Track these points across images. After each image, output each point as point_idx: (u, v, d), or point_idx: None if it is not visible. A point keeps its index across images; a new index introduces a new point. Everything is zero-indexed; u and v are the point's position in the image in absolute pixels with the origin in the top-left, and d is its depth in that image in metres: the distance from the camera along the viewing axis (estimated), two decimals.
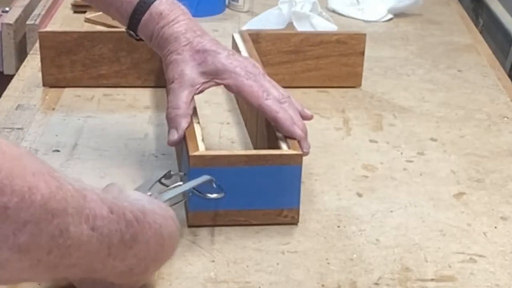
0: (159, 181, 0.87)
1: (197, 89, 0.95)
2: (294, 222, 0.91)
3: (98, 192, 0.63)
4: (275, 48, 1.23)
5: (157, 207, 0.74)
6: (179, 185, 0.85)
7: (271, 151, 0.90)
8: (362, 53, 1.25)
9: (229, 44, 1.16)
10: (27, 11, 1.60)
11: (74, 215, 0.58)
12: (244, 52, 1.13)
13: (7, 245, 0.54)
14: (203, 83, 0.95)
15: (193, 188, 0.85)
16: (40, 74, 1.21)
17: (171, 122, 0.93)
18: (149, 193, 0.81)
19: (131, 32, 1.01)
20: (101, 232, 0.61)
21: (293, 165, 0.88)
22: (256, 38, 1.20)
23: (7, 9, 1.62)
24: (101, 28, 1.46)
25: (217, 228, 0.89)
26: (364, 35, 1.25)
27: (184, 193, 0.86)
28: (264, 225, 0.90)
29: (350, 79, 1.25)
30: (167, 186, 0.86)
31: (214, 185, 0.86)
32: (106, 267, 0.66)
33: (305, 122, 0.95)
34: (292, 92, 1.01)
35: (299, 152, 0.89)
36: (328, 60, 1.24)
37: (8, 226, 0.53)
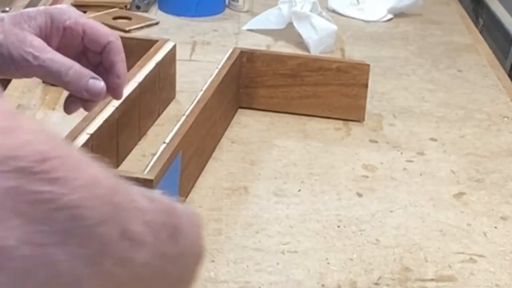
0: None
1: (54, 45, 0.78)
2: None
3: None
4: (271, 70, 1.16)
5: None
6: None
7: (124, 171, 0.86)
8: (365, 85, 1.15)
9: (226, 56, 1.15)
10: None
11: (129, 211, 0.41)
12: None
13: None
14: (51, 35, 0.78)
15: None
16: None
17: (82, 75, 0.79)
18: None
19: None
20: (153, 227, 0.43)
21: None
22: (251, 57, 1.16)
23: (7, 9, 1.62)
24: None
25: (217, 228, 0.89)
26: (368, 65, 1.15)
27: None
28: None
29: (352, 111, 1.16)
30: None
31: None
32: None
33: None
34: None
35: (150, 177, 0.81)
36: (327, 88, 1.15)
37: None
